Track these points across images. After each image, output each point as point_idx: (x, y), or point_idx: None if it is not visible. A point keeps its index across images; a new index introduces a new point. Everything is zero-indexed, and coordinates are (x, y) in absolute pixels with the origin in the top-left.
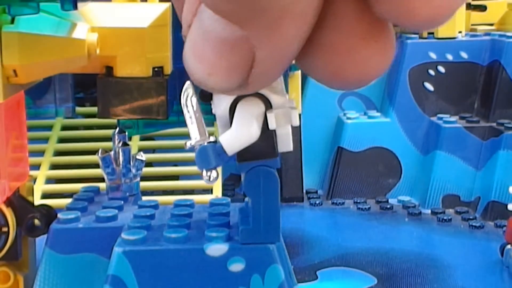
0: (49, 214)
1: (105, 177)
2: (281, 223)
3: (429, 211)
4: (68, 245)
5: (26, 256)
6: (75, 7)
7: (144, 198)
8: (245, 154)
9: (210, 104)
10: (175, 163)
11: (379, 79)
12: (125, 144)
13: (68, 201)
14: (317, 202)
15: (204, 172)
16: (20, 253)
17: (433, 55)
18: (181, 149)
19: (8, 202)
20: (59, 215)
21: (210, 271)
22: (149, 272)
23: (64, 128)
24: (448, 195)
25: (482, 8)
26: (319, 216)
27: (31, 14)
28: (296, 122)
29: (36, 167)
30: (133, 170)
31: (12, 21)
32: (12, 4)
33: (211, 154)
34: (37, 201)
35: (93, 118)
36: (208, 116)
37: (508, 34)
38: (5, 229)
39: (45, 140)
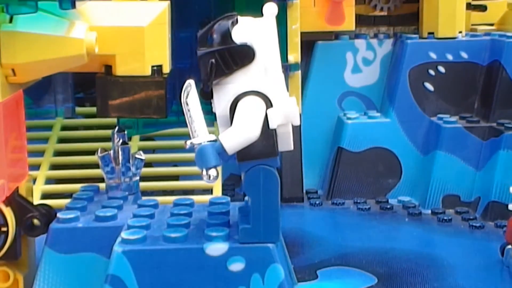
0: (48, 213)
1: (105, 176)
2: (281, 223)
3: (429, 211)
4: (67, 245)
5: (26, 256)
6: (73, 6)
7: (144, 198)
8: (245, 153)
9: (210, 103)
10: (175, 163)
11: (379, 79)
12: (124, 142)
13: (68, 201)
14: (317, 202)
15: (204, 171)
16: (20, 253)
17: (433, 55)
18: (181, 149)
19: (8, 202)
20: (59, 215)
21: (210, 271)
22: (148, 271)
23: (64, 128)
24: (448, 195)
25: (482, 8)
26: (319, 216)
27: (29, 13)
28: (297, 121)
29: (36, 167)
30: (133, 169)
31: (10, 20)
32: (10, 3)
33: (211, 153)
34: (37, 201)
35: (93, 118)
36: (208, 116)
37: (508, 34)
38: (4, 228)
39: (45, 140)
